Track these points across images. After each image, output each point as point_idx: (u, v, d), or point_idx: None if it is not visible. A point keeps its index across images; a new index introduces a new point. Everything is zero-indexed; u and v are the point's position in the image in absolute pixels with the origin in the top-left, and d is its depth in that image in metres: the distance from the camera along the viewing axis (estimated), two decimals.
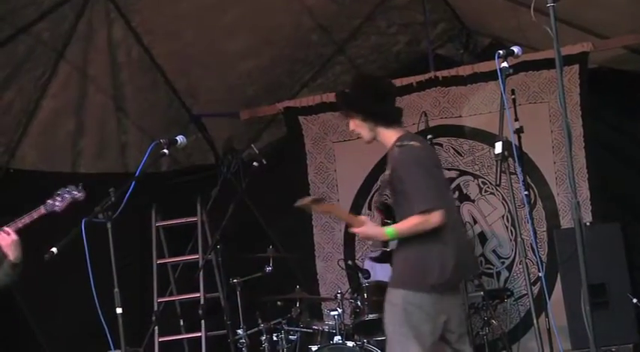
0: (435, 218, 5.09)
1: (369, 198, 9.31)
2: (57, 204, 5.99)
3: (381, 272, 7.96)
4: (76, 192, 6.06)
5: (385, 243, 5.45)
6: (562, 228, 8.42)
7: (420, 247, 5.20)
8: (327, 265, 9.31)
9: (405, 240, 5.26)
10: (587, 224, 7.92)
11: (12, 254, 5.99)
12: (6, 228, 5.98)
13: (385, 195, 5.51)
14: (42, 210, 5.99)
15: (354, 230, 5.42)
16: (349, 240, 9.31)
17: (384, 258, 5.53)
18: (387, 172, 5.39)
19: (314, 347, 7.30)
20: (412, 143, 5.28)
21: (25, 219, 5.96)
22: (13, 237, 5.98)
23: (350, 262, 8.21)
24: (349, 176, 9.39)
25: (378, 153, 9.26)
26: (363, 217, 5.50)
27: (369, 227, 5.36)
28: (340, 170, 9.45)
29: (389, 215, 5.39)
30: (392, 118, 5.45)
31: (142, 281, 8.77)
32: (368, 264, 8.14)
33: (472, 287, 8.06)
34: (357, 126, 5.47)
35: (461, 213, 8.77)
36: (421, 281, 5.18)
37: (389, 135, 5.39)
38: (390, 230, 5.27)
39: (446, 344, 5.36)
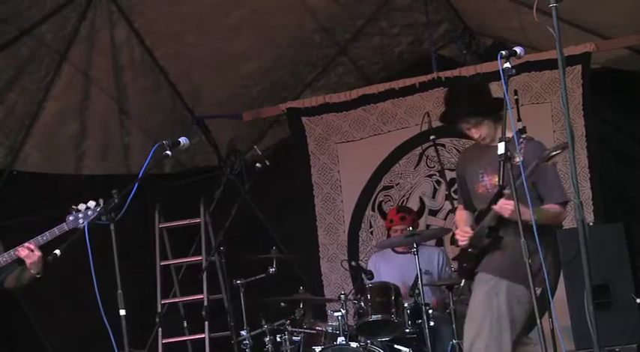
0: (566, 212, 5.22)
1: (372, 198, 9.31)
2: (80, 221, 5.95)
3: (385, 273, 7.98)
4: (95, 210, 6.00)
5: (495, 231, 5.51)
6: (564, 228, 8.41)
7: (547, 241, 5.39)
8: (331, 266, 9.31)
9: (529, 231, 5.19)
10: (590, 224, 7.91)
11: (36, 269, 5.99)
12: (29, 245, 5.95)
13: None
14: (64, 227, 5.97)
15: (508, 202, 5.38)
16: (353, 240, 9.31)
17: (493, 244, 5.58)
18: (521, 159, 5.26)
19: (317, 348, 7.30)
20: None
21: (47, 236, 5.93)
22: (38, 253, 5.94)
23: (353, 263, 8.22)
24: (353, 177, 9.39)
25: (381, 155, 9.31)
26: (506, 191, 5.44)
27: (507, 203, 5.40)
28: (344, 171, 9.45)
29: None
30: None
31: (145, 283, 8.76)
32: (371, 265, 8.15)
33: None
34: (478, 127, 5.70)
35: None
36: (529, 276, 5.16)
37: (498, 134, 5.47)
38: (539, 211, 5.35)
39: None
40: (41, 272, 6.00)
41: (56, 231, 5.90)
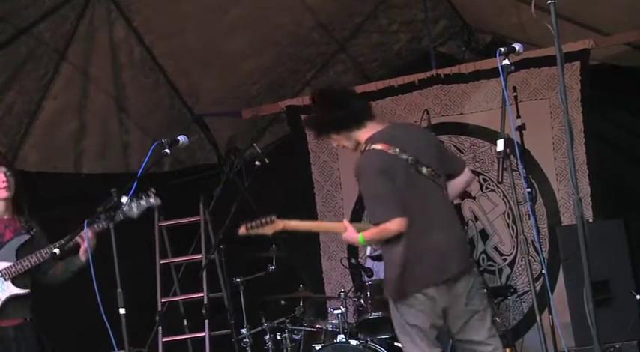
0: (391, 227, 5.09)
1: None
2: (134, 210, 6.04)
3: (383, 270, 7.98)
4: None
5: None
6: (563, 224, 8.42)
7: (391, 254, 5.23)
8: (332, 264, 9.32)
9: (382, 247, 5.32)
10: (589, 220, 7.91)
11: (84, 256, 6.03)
12: (91, 231, 6.00)
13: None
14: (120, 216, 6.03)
15: (341, 237, 5.47)
16: None
17: (381, 257, 5.57)
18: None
19: (317, 346, 7.31)
20: (374, 146, 5.21)
21: (103, 224, 5.96)
22: (94, 241, 6.05)
23: (353, 260, 8.22)
24: (353, 174, 9.37)
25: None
26: (345, 222, 5.49)
27: (347, 234, 5.41)
28: (344, 168, 9.45)
29: None
30: (357, 117, 5.35)
31: (145, 282, 8.76)
32: (370, 263, 8.15)
33: None
34: (337, 140, 5.44)
35: (462, 210, 8.78)
36: (398, 288, 5.19)
37: (362, 137, 5.33)
38: (361, 237, 5.31)
39: (453, 338, 5.39)
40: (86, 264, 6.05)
41: (104, 223, 5.94)
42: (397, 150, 5.17)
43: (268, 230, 5.37)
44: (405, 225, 5.09)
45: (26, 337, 6.30)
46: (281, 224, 5.38)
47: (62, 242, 6.05)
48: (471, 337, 5.29)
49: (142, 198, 6.06)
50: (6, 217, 6.33)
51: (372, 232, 5.24)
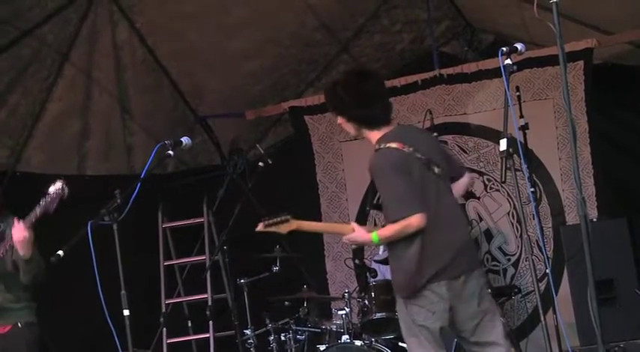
0: (414, 221, 5.08)
1: (376, 197, 9.30)
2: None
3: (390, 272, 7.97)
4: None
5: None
6: (568, 224, 8.41)
7: (404, 252, 5.20)
8: (336, 264, 9.31)
9: (390, 246, 5.28)
10: (594, 220, 7.90)
11: (22, 250, 6.01)
12: (19, 224, 5.99)
13: (367, 205, 5.48)
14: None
15: (344, 238, 5.46)
16: None
17: (387, 260, 5.55)
18: (369, 176, 5.38)
19: (322, 347, 7.30)
20: (389, 145, 5.21)
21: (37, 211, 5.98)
22: (25, 233, 6.01)
23: (357, 261, 8.21)
24: (357, 175, 9.38)
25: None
26: (352, 224, 5.48)
27: (357, 234, 5.37)
28: (348, 169, 9.45)
29: None
30: (377, 121, 5.35)
31: (149, 283, 8.77)
32: (375, 263, 8.15)
33: None
34: (343, 124, 5.46)
35: (466, 210, 8.78)
36: (411, 285, 5.18)
37: (373, 137, 5.35)
38: (375, 236, 5.28)
39: (463, 340, 5.37)
40: (29, 255, 6.03)
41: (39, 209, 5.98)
42: (411, 149, 5.20)
43: (283, 229, 5.39)
44: (425, 221, 5.09)
45: (15, 344, 6.22)
46: (295, 224, 5.41)
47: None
48: (483, 339, 5.28)
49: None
50: None
51: (392, 229, 5.17)
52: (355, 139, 9.24)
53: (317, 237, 9.40)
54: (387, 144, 5.21)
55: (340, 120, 5.45)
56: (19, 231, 6.01)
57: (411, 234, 5.11)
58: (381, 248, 5.31)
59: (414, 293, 5.17)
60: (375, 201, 8.40)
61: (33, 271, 6.22)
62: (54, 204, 6.05)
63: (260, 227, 5.39)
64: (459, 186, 5.45)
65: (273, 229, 5.38)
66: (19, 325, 6.25)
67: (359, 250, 9.17)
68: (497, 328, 5.32)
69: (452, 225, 5.24)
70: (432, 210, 5.13)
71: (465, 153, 8.91)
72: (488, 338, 5.28)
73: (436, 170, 5.23)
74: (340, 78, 5.56)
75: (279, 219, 5.35)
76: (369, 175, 5.32)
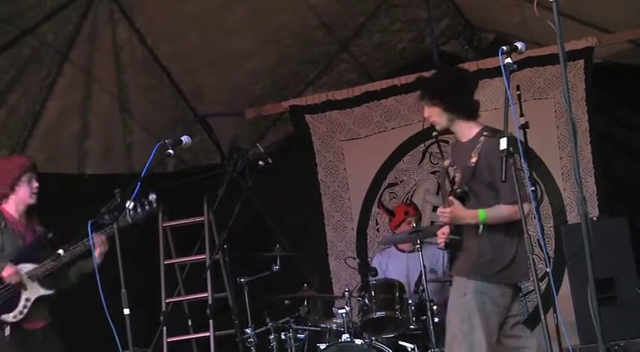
0: (525, 208, 5.17)
1: (378, 195, 9.30)
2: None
3: (393, 272, 7.97)
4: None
5: (459, 232, 5.51)
6: (569, 223, 8.41)
7: (501, 239, 5.36)
8: (340, 263, 9.30)
9: (486, 230, 5.36)
10: (594, 219, 7.90)
11: (99, 258, 6.10)
12: (102, 235, 6.11)
13: (464, 186, 5.46)
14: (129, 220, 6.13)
15: (443, 211, 5.48)
16: (361, 238, 9.31)
17: (454, 245, 5.57)
18: (473, 160, 5.41)
19: (322, 346, 7.30)
20: (502, 139, 5.31)
21: (113, 228, 6.02)
22: (106, 246, 6.17)
23: (357, 260, 8.20)
24: (359, 174, 9.39)
25: (385, 152, 9.30)
26: (451, 198, 5.50)
27: (458, 208, 5.43)
28: (350, 168, 9.45)
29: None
30: (473, 111, 5.55)
31: (149, 282, 8.76)
32: (376, 263, 8.15)
33: None
34: (435, 114, 5.57)
35: None
36: (497, 272, 5.29)
37: (468, 127, 5.52)
38: (483, 213, 5.37)
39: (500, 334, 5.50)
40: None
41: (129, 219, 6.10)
42: None
43: None
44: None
45: (51, 338, 6.41)
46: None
47: (74, 247, 6.16)
48: (517, 333, 5.56)
49: (145, 205, 6.12)
50: (24, 221, 6.46)
51: (504, 209, 5.33)
52: (356, 139, 9.35)
53: (320, 236, 9.40)
54: (497, 136, 5.24)
55: (432, 109, 5.56)
56: (102, 243, 6.13)
57: (513, 221, 5.24)
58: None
59: (500, 280, 5.32)
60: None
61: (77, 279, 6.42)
62: (144, 217, 6.18)
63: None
64: None
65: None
66: (49, 321, 6.43)
67: (363, 249, 9.18)
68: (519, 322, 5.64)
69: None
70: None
71: None
72: (522, 333, 5.57)
73: None
74: (440, 70, 5.71)
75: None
76: (479, 159, 5.38)
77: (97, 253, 6.07)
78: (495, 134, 5.33)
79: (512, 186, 5.15)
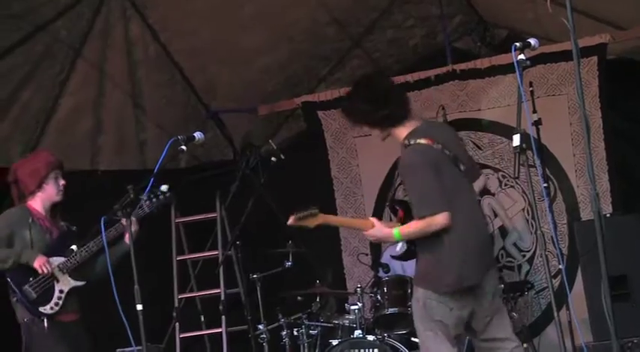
0: (438, 220, 5.09)
1: (391, 193, 9.29)
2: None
3: (409, 267, 7.96)
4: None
5: (410, 243, 5.46)
6: (582, 220, 8.39)
7: (433, 249, 5.23)
8: (353, 260, 9.28)
9: (421, 240, 5.28)
10: (608, 215, 7.87)
11: (129, 240, 6.08)
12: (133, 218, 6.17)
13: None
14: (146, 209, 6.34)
15: (365, 233, 5.48)
16: None
17: (406, 255, 5.54)
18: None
19: (334, 342, 7.31)
20: (419, 141, 5.24)
21: (146, 210, 6.32)
22: (137, 226, 6.33)
23: (369, 255, 8.19)
24: (372, 171, 9.38)
25: (398, 148, 9.27)
26: (372, 219, 5.51)
27: (377, 229, 5.44)
28: (363, 165, 9.45)
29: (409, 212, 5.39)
30: (398, 116, 5.39)
31: (162, 278, 8.78)
32: (387, 258, 8.14)
33: None
34: (373, 134, 5.51)
35: (481, 206, 8.75)
36: (437, 284, 5.20)
37: (400, 133, 5.38)
38: (397, 232, 5.32)
39: (473, 336, 5.38)
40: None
41: (146, 209, 6.31)
42: (440, 145, 5.21)
43: (311, 222, 5.41)
44: (450, 220, 5.09)
45: (83, 333, 6.56)
46: (322, 218, 5.42)
47: (98, 238, 6.24)
48: (493, 335, 5.30)
49: (158, 195, 6.20)
50: (49, 217, 6.56)
51: (415, 225, 5.22)
52: (369, 135, 9.28)
53: (334, 233, 9.39)
54: (417, 140, 5.22)
55: (369, 131, 5.49)
56: (134, 223, 6.19)
57: (435, 232, 5.11)
58: (399, 244, 5.33)
59: (439, 291, 5.18)
60: (392, 196, 8.41)
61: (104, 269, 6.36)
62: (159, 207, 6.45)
63: (291, 221, 5.42)
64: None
65: (302, 223, 5.37)
66: (80, 314, 6.58)
67: (377, 246, 9.16)
68: (507, 324, 5.37)
69: (476, 223, 5.28)
70: (458, 209, 5.15)
71: (480, 149, 8.89)
72: (500, 335, 5.32)
73: (461, 167, 5.25)
74: (351, 89, 5.58)
75: (308, 212, 5.37)
76: (399, 171, 5.36)
77: (128, 235, 6.11)
78: (417, 139, 5.24)
79: (422, 198, 5.14)
